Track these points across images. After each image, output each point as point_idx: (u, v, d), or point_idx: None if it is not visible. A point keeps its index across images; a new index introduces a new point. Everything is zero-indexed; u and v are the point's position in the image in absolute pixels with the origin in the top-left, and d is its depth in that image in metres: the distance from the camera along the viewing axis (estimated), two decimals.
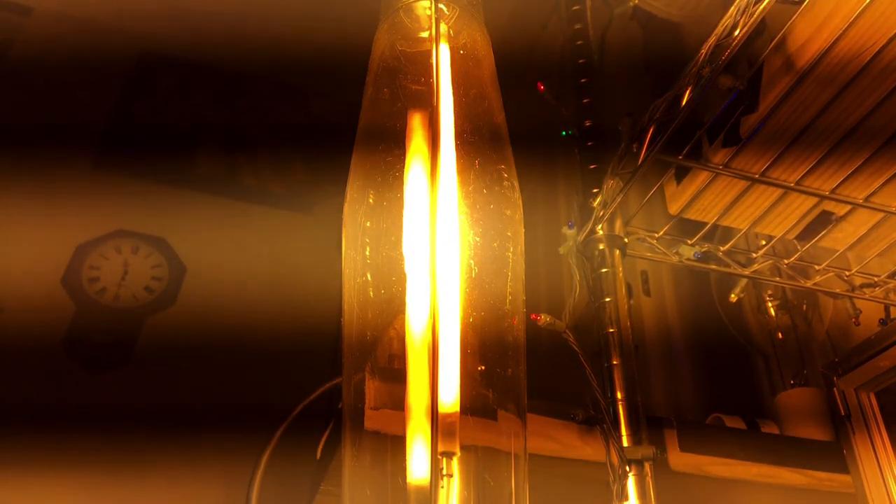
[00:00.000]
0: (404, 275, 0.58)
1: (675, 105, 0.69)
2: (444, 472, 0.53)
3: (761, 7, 0.60)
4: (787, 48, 0.69)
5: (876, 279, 0.89)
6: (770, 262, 0.89)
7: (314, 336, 1.37)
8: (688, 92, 0.68)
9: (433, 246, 0.56)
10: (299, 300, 1.44)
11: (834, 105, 0.70)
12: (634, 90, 1.21)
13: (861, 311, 0.94)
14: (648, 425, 0.75)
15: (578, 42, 1.05)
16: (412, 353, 0.56)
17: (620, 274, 0.84)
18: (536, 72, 1.34)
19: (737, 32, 0.62)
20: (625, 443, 0.72)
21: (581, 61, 1.03)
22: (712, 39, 0.64)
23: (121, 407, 1.30)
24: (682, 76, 0.68)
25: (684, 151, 0.76)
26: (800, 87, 0.69)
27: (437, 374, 0.53)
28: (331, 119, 1.81)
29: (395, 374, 0.60)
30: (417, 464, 0.53)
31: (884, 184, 0.76)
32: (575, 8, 1.09)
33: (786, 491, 0.83)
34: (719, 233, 0.89)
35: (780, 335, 1.06)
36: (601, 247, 0.85)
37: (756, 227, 0.85)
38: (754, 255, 0.89)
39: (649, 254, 0.88)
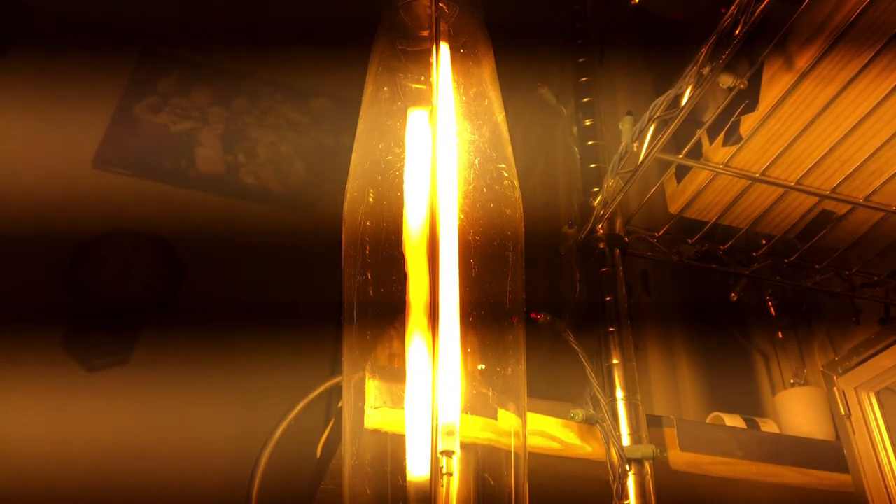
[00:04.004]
0: (404, 274, 0.58)
1: (676, 104, 0.69)
2: (444, 470, 0.53)
3: (762, 6, 0.60)
4: (787, 47, 0.69)
5: (876, 278, 0.89)
6: (770, 261, 0.89)
7: (314, 335, 1.37)
8: (688, 90, 0.67)
9: (434, 244, 0.56)
10: (300, 300, 1.44)
11: (834, 104, 0.70)
12: (635, 89, 1.21)
13: (861, 311, 0.94)
14: (648, 424, 0.75)
15: (579, 41, 1.05)
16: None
17: (621, 273, 0.84)
18: (537, 70, 1.34)
19: (737, 31, 0.62)
20: (625, 442, 0.72)
21: (581, 60, 1.03)
22: (713, 38, 0.64)
23: (117, 405, 1.30)
24: (683, 75, 0.68)
25: (685, 150, 0.76)
26: (800, 86, 0.68)
27: (437, 373, 0.53)
28: (330, 117, 1.81)
29: (395, 372, 0.60)
30: (417, 461, 0.53)
31: (884, 183, 0.76)
32: (575, 7, 1.09)
33: (785, 490, 0.83)
34: (720, 232, 0.89)
35: (779, 334, 1.06)
36: (601, 246, 0.85)
37: (756, 227, 0.85)
38: (755, 254, 0.89)
39: (650, 253, 0.88)
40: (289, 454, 0.83)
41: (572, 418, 0.74)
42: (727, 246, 0.87)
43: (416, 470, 0.53)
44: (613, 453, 0.71)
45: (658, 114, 0.71)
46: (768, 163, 0.76)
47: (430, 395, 0.52)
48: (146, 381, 1.36)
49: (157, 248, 1.51)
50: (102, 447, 1.25)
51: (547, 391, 0.76)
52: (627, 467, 0.70)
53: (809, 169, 0.76)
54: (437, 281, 0.55)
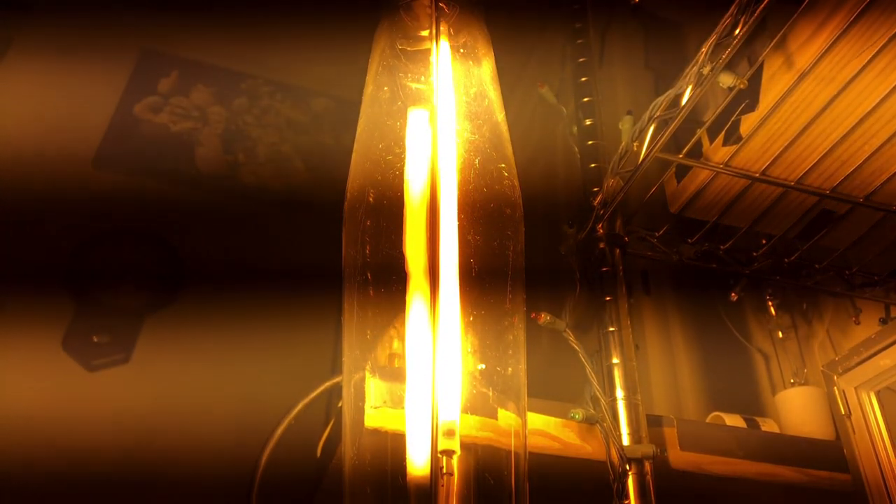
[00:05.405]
0: (404, 274, 0.58)
1: (676, 103, 0.69)
2: (445, 470, 0.53)
3: (762, 6, 0.60)
4: (787, 47, 0.69)
5: (876, 278, 0.89)
6: (770, 260, 0.89)
7: (314, 334, 1.37)
8: (688, 90, 0.68)
9: (434, 244, 0.56)
10: (300, 299, 1.44)
11: (834, 104, 0.70)
12: (635, 88, 1.21)
13: (861, 310, 0.94)
14: (648, 424, 0.75)
15: (579, 41, 1.05)
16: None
17: (621, 273, 0.84)
18: (537, 70, 1.34)
19: (737, 31, 0.62)
20: (625, 441, 0.72)
21: (581, 60, 1.03)
22: (713, 38, 0.64)
23: (118, 404, 1.31)
24: (683, 75, 0.68)
25: (685, 150, 0.76)
26: (800, 86, 0.68)
27: (436, 373, 0.53)
28: (330, 117, 1.81)
29: (395, 372, 0.60)
30: (417, 460, 0.53)
31: (884, 183, 0.76)
32: (575, 6, 1.09)
33: (786, 489, 0.83)
34: (720, 231, 0.89)
35: (780, 334, 1.06)
36: (601, 245, 0.85)
37: (756, 226, 0.85)
38: (755, 253, 0.89)
39: (650, 252, 0.88)
40: (289, 454, 0.83)
41: (572, 418, 0.74)
42: (727, 245, 0.87)
43: (417, 469, 0.53)
44: (614, 453, 0.71)
45: (658, 113, 0.71)
46: (768, 162, 0.76)
47: (430, 394, 0.52)
48: (146, 380, 1.36)
49: (157, 249, 1.51)
50: (102, 446, 1.25)
51: (547, 391, 0.76)
52: (627, 467, 0.70)
53: (809, 168, 0.76)
54: (437, 281, 0.55)
